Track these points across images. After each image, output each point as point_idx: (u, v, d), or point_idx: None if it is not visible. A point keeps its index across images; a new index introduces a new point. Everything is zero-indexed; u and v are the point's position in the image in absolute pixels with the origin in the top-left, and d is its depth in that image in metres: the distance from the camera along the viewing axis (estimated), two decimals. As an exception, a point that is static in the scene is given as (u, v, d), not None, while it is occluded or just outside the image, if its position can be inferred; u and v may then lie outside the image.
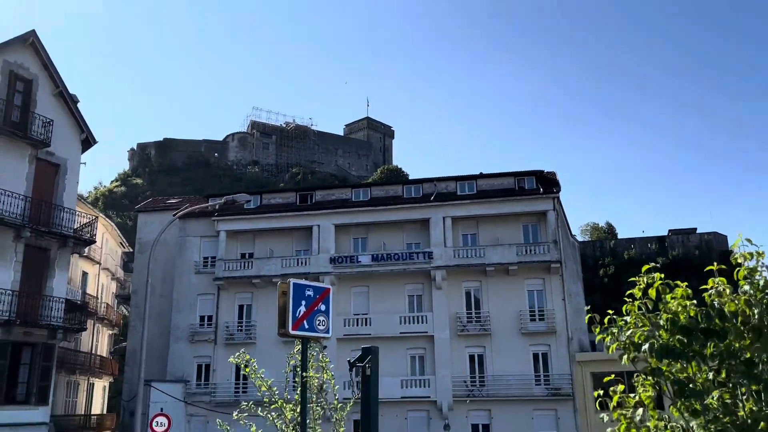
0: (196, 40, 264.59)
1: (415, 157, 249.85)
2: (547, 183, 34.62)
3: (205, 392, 34.40)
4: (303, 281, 6.70)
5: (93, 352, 40.09)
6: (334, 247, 34.96)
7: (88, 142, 26.69)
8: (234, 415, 7.99)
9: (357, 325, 33.86)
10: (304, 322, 6.50)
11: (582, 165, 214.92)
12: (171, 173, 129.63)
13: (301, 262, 34.83)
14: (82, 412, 38.62)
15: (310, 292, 6.57)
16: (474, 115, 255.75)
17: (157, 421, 24.05)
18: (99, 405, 42.84)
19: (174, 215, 37.18)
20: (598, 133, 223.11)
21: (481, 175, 35.73)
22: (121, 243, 47.28)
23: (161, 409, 29.22)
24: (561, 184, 34.50)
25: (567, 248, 34.85)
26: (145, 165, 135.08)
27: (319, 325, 6.62)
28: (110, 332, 45.75)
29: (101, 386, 43.37)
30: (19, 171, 23.66)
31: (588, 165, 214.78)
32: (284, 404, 6.95)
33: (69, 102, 25.80)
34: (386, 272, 33.85)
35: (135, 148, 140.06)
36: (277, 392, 7.70)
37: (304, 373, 6.46)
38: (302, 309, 6.50)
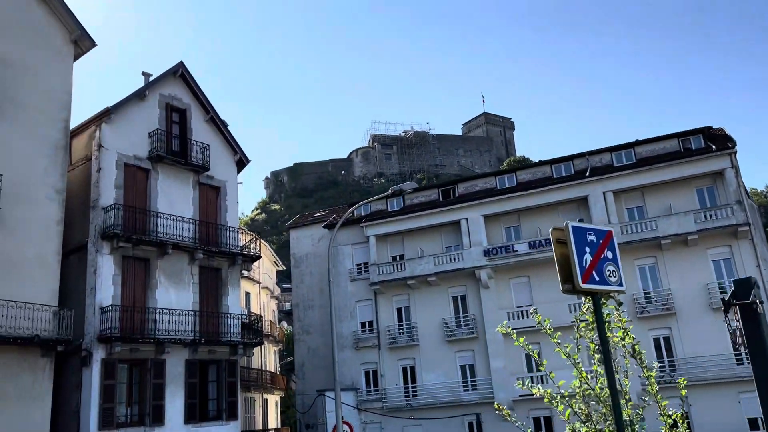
0: (310, 65, 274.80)
1: (541, 145, 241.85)
2: (716, 140, 30.95)
3: (376, 398, 34.19)
4: (582, 224, 5.41)
5: (263, 368, 41.50)
6: (486, 239, 33.51)
7: (242, 162, 27.42)
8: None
9: (523, 317, 32.09)
10: (593, 273, 5.22)
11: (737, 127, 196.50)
12: (304, 195, 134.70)
13: (454, 258, 33.72)
14: (261, 427, 39.99)
15: (592, 237, 5.30)
16: (595, 90, 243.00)
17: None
18: (273, 419, 44.29)
19: (324, 225, 37.69)
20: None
21: (639, 142, 32.69)
22: (275, 262, 48.90)
23: (342, 418, 29.35)
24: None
25: (750, 210, 30.90)
26: (280, 191, 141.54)
27: (610, 276, 5.33)
28: (275, 348, 47.30)
29: (273, 401, 44.82)
30: (185, 196, 24.65)
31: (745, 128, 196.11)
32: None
33: (220, 126, 26.65)
34: (546, 259, 31.80)
35: (269, 176, 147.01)
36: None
37: (605, 335, 5.12)
38: (588, 257, 5.22)
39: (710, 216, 29.12)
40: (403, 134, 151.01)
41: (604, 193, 31.35)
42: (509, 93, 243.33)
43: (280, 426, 45.21)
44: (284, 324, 51.93)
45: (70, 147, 22.01)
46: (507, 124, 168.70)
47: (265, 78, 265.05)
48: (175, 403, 22.02)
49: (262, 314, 42.43)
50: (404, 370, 34.47)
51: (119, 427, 20.39)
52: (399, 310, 35.40)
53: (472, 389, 32.71)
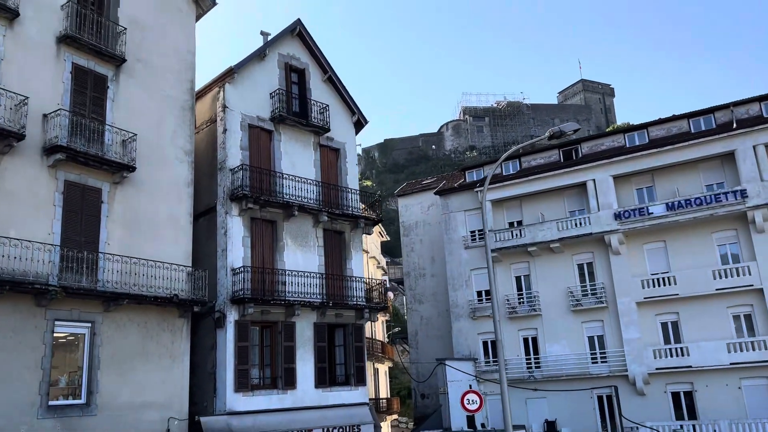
0: (400, 38, 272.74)
1: (644, 112, 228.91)
2: None
3: (495, 369, 32.79)
4: None
5: (373, 337, 41.10)
6: (616, 201, 31.03)
7: (359, 123, 26.48)
8: None
9: (658, 285, 29.57)
10: None
11: None
12: (395, 171, 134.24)
13: (580, 223, 31.49)
14: (373, 396, 39.68)
15: None
16: (698, 50, 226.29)
17: (468, 399, 22.62)
18: (384, 388, 43.97)
19: (435, 192, 36.39)
20: None
21: (794, 90, 29.01)
22: (380, 233, 48.27)
23: (470, 386, 28.22)
24: None
25: None
26: (371, 167, 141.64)
27: None
28: (383, 318, 46.85)
29: (383, 371, 44.47)
30: (307, 158, 24.01)
31: None
32: None
33: (339, 86, 25.75)
34: (687, 221, 29.05)
35: (360, 153, 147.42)
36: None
37: None
38: None
39: None
40: (495, 105, 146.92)
41: (754, 146, 28.11)
42: (608, 58, 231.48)
43: (389, 396, 44.90)
44: (390, 294, 51.38)
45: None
46: (606, 91, 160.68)
47: (352, 52, 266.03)
48: (305, 367, 21.59)
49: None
50: (525, 340, 32.81)
51: (253, 389, 20.12)
52: (518, 278, 33.67)
53: (602, 361, 30.62)
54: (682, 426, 26.97)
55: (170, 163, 20.04)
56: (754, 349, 27.11)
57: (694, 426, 26.76)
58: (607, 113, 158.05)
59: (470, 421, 27.09)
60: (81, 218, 17.23)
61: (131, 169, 18.25)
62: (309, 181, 23.26)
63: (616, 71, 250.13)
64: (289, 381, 20.98)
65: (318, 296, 22.25)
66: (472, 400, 22.57)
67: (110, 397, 16.81)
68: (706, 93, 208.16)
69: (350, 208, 24.34)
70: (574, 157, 34.06)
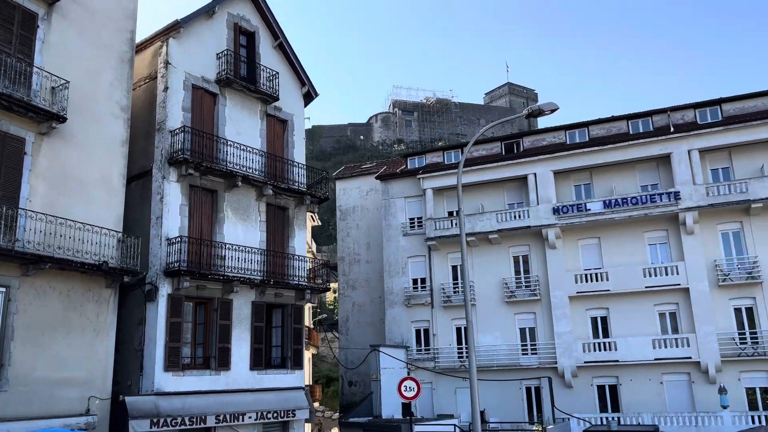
0: (332, 25, 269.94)
1: (565, 120, 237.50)
2: (815, 100, 28.50)
3: (427, 357, 32.55)
4: None
5: (300, 323, 39.91)
6: (555, 196, 31.38)
7: (309, 95, 25.29)
8: None
9: (591, 281, 30.16)
10: None
11: None
12: (321, 158, 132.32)
13: (518, 216, 31.66)
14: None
15: None
16: (621, 58, 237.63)
17: (406, 386, 22.04)
18: (307, 376, 42.85)
19: (376, 176, 35.66)
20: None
21: (727, 99, 30.24)
22: (311, 216, 46.98)
23: (408, 372, 27.70)
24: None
25: None
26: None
27: None
28: (310, 304, 45.66)
29: (307, 357, 43.33)
30: (252, 127, 22.62)
31: None
32: None
33: (290, 54, 24.44)
34: (622, 219, 29.74)
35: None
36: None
37: None
38: None
39: (809, 180, 26.86)
40: (424, 101, 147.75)
41: (689, 151, 29.08)
42: (535, 63, 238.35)
43: (311, 382, 43.85)
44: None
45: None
46: (530, 96, 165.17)
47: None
48: (241, 347, 20.31)
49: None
50: (458, 330, 32.71)
51: (185, 369, 18.68)
52: (454, 267, 33.51)
53: (532, 353, 30.96)
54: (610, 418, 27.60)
55: (105, 119, 18.18)
56: (677, 346, 28.13)
57: (618, 418, 27.42)
58: (530, 120, 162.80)
59: (406, 408, 26.64)
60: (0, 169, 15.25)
61: (61, 119, 16.34)
62: (254, 150, 21.91)
63: (540, 77, 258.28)
64: (223, 361, 19.65)
65: (258, 273, 20.98)
66: (410, 387, 21.99)
67: (24, 372, 14.97)
68: (633, 102, 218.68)
69: (297, 184, 23.16)
70: (515, 151, 34.21)
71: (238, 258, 20.38)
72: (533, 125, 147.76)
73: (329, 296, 49.36)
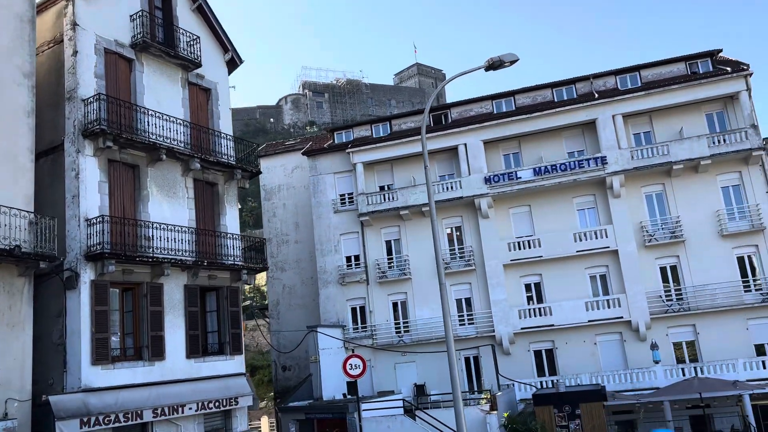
0: (239, 6, 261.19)
1: (487, 91, 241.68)
2: (725, 66, 29.82)
3: (364, 335, 31.85)
4: None
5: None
6: (486, 165, 31.31)
7: (233, 62, 23.61)
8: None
9: (524, 248, 30.42)
10: None
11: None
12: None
13: (451, 187, 31.38)
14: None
15: None
16: (526, 43, 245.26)
17: (351, 364, 21.36)
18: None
19: (302, 152, 34.33)
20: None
21: (645, 65, 31.12)
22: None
23: (353, 350, 26.76)
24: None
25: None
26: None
27: None
28: (247, 285, 43.86)
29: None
30: (174, 96, 20.79)
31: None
32: None
33: (210, 17, 22.66)
34: (552, 186, 30.10)
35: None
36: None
37: None
38: None
39: (723, 140, 28.14)
40: (335, 82, 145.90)
41: (613, 116, 29.72)
42: (442, 43, 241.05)
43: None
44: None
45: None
46: (439, 76, 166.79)
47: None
48: (175, 335, 18.71)
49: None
50: (395, 305, 32.21)
51: (114, 361, 16.95)
52: (388, 243, 32.90)
53: (469, 323, 30.96)
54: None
55: (6, 86, 15.96)
56: (608, 307, 28.90)
57: (554, 381, 27.85)
58: (439, 98, 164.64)
59: (352, 387, 25.84)
60: None
61: (-47, 84, 14.13)
62: (178, 120, 20.13)
63: (448, 56, 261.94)
64: (156, 351, 18.02)
65: (189, 254, 19.38)
66: (355, 365, 21.28)
67: (-75, 376, 12.93)
68: (534, 75, 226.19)
69: (225, 157, 21.57)
70: (443, 122, 33.86)
71: (167, 238, 18.68)
72: (442, 101, 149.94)
73: (259, 278, 47.54)
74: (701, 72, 30.07)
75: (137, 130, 18.68)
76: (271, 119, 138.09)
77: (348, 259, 33.13)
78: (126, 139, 17.93)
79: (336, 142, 35.17)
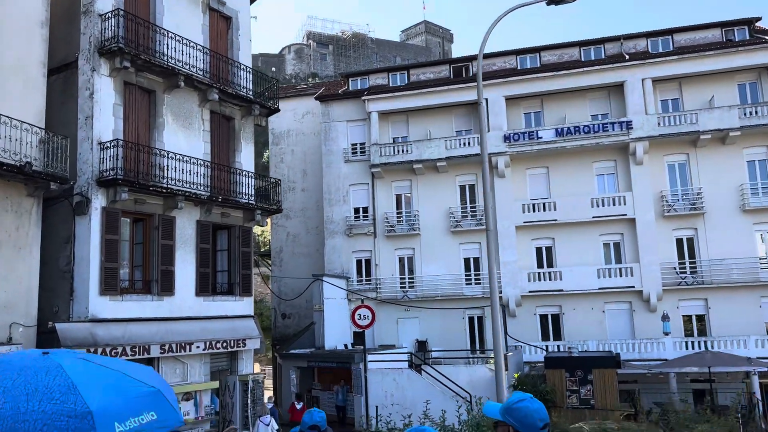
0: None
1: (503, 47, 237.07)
2: (762, 35, 28.70)
3: (368, 288, 31.29)
4: None
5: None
6: (506, 123, 30.32)
7: (256, -9, 22.30)
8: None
9: (538, 210, 29.70)
10: None
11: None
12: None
13: (468, 143, 30.43)
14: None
15: None
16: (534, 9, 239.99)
17: (359, 314, 20.79)
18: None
19: (315, 97, 33.15)
20: None
21: (679, 29, 29.96)
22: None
23: (362, 301, 26.14)
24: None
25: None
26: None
27: None
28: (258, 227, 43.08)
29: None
30: (194, 21, 19.56)
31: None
32: None
33: (235, -61, 21.24)
34: (573, 148, 29.21)
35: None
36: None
37: None
38: None
39: (755, 112, 27.20)
40: (340, 34, 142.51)
41: (643, 80, 28.65)
42: (451, 4, 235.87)
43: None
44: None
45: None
46: (446, 36, 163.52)
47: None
48: (185, 271, 17.97)
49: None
50: (401, 260, 31.58)
51: (123, 293, 16.22)
52: (399, 196, 32.07)
53: (476, 283, 30.41)
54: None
55: (17, -8, 14.78)
56: (620, 276, 28.37)
57: (568, 346, 27.46)
58: (447, 54, 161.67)
59: (359, 337, 25.37)
60: None
61: (-36, -19, 12.96)
62: (198, 47, 18.97)
63: (458, 16, 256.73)
64: (166, 286, 17.30)
65: (203, 188, 18.49)
66: (364, 316, 20.76)
67: (-73, 293, 12.15)
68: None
69: (244, 90, 20.48)
70: (464, 75, 32.69)
71: (182, 170, 17.76)
72: (448, 55, 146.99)
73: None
74: (737, 40, 28.96)
75: (155, 52, 17.54)
76: (273, 68, 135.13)
77: (356, 210, 32.33)
78: (144, 60, 16.82)
79: (350, 88, 33.96)
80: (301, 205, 35.88)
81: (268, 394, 24.68)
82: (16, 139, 13.67)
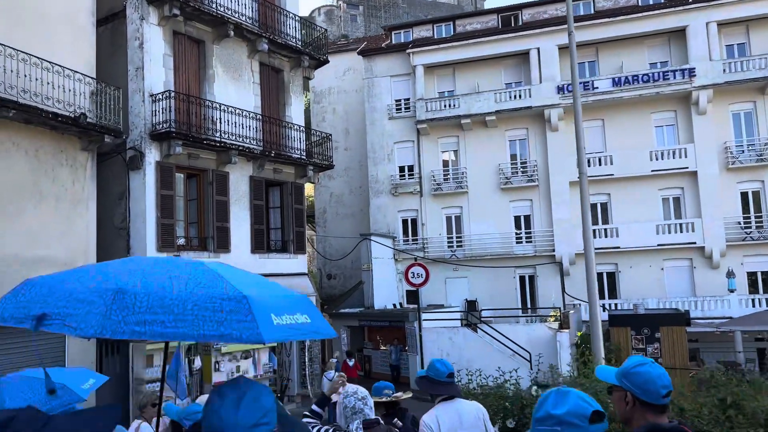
0: None
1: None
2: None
3: (415, 248, 30.64)
4: None
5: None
6: (559, 74, 28.93)
7: (302, -65, 21.20)
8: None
9: (593, 165, 28.40)
10: None
11: None
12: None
13: (519, 95, 29.16)
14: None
15: None
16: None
17: (413, 272, 20.06)
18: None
19: (358, 52, 32.11)
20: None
21: (746, -31, 27.92)
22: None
23: (416, 259, 25.62)
24: None
25: None
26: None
27: None
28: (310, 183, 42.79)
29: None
30: (240, -32, 18.65)
31: None
32: None
33: None
34: (632, 98, 27.76)
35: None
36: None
37: None
38: None
39: (832, 55, 25.35)
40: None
41: (707, 24, 26.90)
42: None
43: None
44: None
45: None
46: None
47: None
48: (240, 228, 17.50)
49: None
50: (449, 219, 30.78)
51: (180, 250, 15.81)
52: (445, 153, 31.10)
53: (527, 242, 29.49)
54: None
55: (62, -65, 14.07)
56: (681, 231, 27.15)
57: (620, 304, 26.59)
58: (476, 3, 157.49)
59: (411, 296, 24.85)
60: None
61: None
62: (246, -6, 18.13)
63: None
64: (222, 243, 16.86)
65: (256, 143, 17.87)
66: (418, 274, 20.02)
67: (-10, 248, 11.84)
68: None
69: (294, 40, 19.64)
70: (513, 24, 31.22)
71: (234, 123, 17.14)
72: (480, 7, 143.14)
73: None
74: (810, -21, 26.86)
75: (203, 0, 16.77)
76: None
77: (401, 169, 31.50)
78: (193, 8, 16.08)
79: (393, 42, 32.81)
80: (344, 165, 35.16)
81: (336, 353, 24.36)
82: (70, 89, 13.13)
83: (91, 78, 13.88)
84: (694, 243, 26.86)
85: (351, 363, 20.34)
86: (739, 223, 26.69)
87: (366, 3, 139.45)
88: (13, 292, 2.50)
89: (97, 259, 14.30)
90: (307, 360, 18.35)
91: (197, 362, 15.20)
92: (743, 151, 26.92)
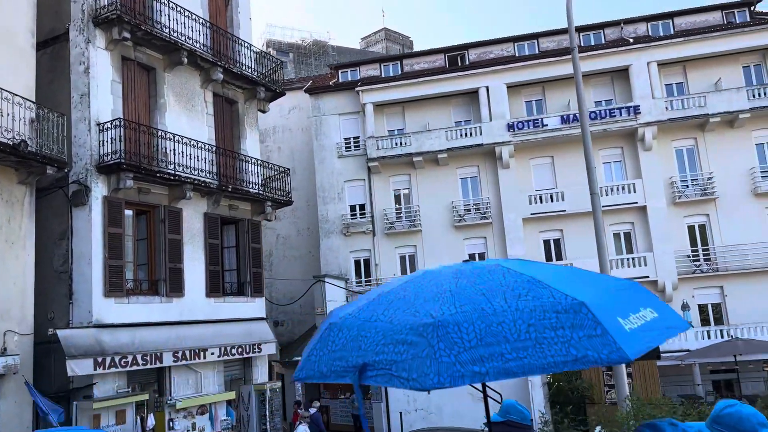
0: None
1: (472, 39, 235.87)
2: (762, 16, 28.31)
3: (367, 289, 29.54)
4: None
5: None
6: (509, 111, 29.14)
7: (255, -35, 20.49)
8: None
9: (545, 201, 28.53)
10: None
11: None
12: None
13: (469, 133, 29.10)
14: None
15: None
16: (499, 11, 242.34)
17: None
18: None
19: (305, 89, 31.42)
20: None
21: (679, 12, 29.37)
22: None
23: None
24: None
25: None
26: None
27: None
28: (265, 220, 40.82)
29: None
30: (192, -5, 17.69)
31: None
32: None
33: None
34: (579, 136, 27.97)
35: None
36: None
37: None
38: None
39: (764, 93, 26.65)
40: (300, 42, 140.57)
41: (648, 63, 27.84)
42: (410, 10, 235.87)
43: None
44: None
45: None
46: (406, 43, 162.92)
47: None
48: (195, 269, 16.04)
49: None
50: (402, 259, 29.98)
51: (129, 294, 14.19)
52: (397, 192, 30.50)
53: (483, 280, 28.96)
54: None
55: (0, -53, 12.76)
56: (633, 266, 27.34)
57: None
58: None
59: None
60: None
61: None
62: (200, 19, 17.10)
63: (417, 24, 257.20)
64: (175, 286, 15.33)
65: (210, 176, 16.61)
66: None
67: None
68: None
69: (248, 70, 18.68)
70: (459, 64, 31.44)
71: (188, 155, 15.85)
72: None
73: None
74: (737, 22, 28.46)
75: (156, 23, 15.63)
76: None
77: (353, 208, 30.62)
78: (144, 32, 14.91)
79: (341, 80, 32.35)
80: (291, 206, 33.86)
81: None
82: (8, 113, 11.62)
83: (32, 102, 12.40)
84: (647, 276, 27.04)
85: (304, 411, 18.86)
86: (688, 256, 27.18)
87: (295, 50, 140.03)
88: (320, 340, 2.26)
89: (34, 307, 12.55)
90: (267, 413, 16.79)
91: (150, 420, 13.46)
92: (687, 186, 27.64)
